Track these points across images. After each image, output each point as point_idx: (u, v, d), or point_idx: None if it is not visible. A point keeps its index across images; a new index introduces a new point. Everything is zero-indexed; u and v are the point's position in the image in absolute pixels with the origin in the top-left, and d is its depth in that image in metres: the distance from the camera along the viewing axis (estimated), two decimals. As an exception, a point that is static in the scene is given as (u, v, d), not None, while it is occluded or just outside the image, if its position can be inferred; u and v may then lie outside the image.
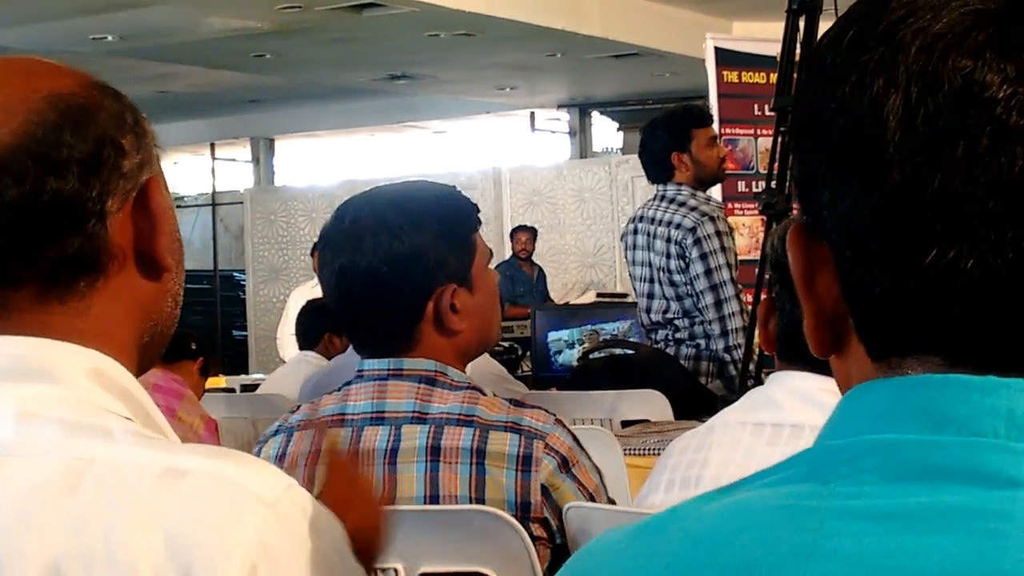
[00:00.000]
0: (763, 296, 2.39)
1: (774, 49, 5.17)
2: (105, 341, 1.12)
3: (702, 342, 4.66)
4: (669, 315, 4.72)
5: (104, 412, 1.08)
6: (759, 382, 3.58)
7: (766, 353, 2.18)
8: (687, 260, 4.63)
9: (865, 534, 0.71)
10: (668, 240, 4.69)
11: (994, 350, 0.76)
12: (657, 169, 4.82)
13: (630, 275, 4.97)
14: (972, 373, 0.76)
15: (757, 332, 2.12)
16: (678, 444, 2.21)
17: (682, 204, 4.72)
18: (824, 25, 4.41)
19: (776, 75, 4.57)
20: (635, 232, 4.87)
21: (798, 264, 0.83)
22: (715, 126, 5.28)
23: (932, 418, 0.75)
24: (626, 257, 4.97)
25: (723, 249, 4.61)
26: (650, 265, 4.78)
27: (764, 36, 7.68)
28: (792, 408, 2.02)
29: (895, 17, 0.78)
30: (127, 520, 1.00)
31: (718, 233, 4.62)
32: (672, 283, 4.69)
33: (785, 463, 0.79)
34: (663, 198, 4.79)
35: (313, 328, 5.96)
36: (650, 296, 4.79)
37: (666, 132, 4.80)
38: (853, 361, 0.82)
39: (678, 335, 4.72)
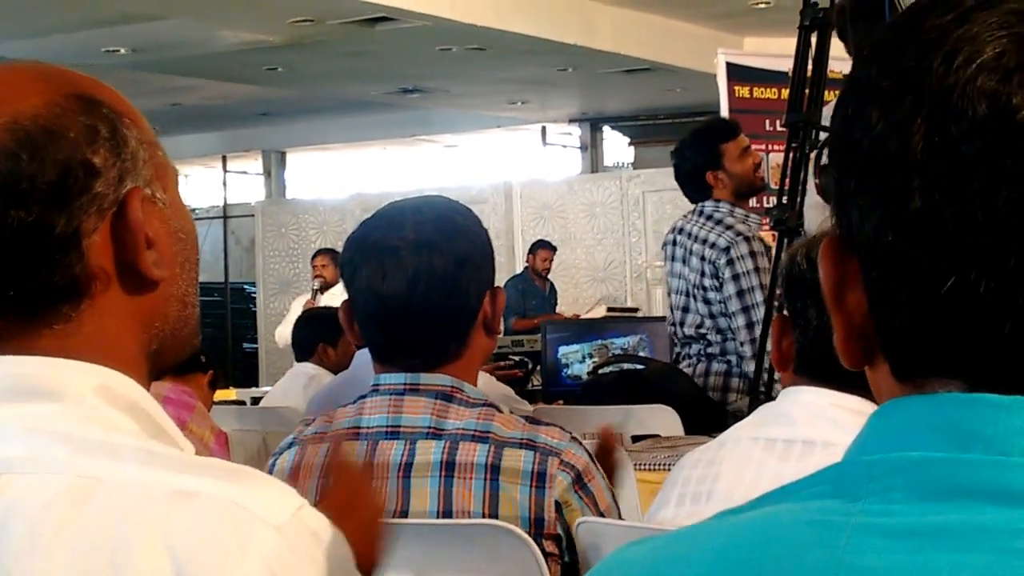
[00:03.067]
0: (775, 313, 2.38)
1: (786, 65, 5.16)
2: (107, 355, 1.10)
3: (733, 359, 4.65)
4: (703, 330, 4.70)
5: (111, 429, 1.06)
6: (770, 398, 3.57)
7: (777, 371, 2.17)
8: (720, 280, 4.61)
9: (892, 551, 0.72)
10: (703, 258, 4.67)
11: (1015, 377, 0.75)
12: (694, 189, 4.79)
13: (667, 283, 4.95)
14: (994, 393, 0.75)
15: (770, 349, 2.11)
16: (689, 459, 2.20)
17: (718, 222, 4.69)
18: (835, 42, 4.42)
19: (788, 91, 4.57)
20: (674, 243, 4.85)
21: (829, 277, 0.83)
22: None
23: (960, 436, 0.75)
24: (664, 267, 4.95)
25: (756, 270, 4.58)
26: (685, 279, 4.76)
27: (776, 52, 7.68)
28: (804, 423, 2.02)
29: (926, 39, 0.77)
30: (134, 543, 0.99)
31: (752, 254, 4.59)
32: (706, 300, 4.67)
33: (813, 478, 0.79)
34: (701, 213, 4.76)
35: (308, 338, 5.95)
36: (685, 310, 4.77)
37: (696, 152, 4.77)
38: (882, 375, 0.82)
39: (710, 350, 4.70)
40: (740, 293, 4.56)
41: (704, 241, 4.68)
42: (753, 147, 4.95)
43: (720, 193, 4.73)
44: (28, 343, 1.09)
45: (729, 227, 4.66)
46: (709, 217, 4.73)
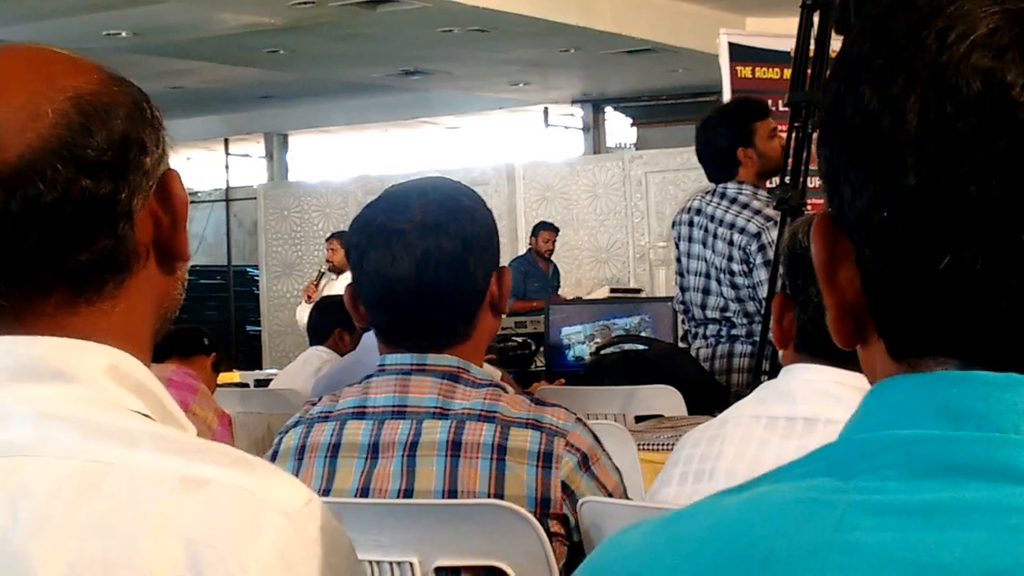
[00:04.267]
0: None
1: (788, 44, 5.16)
2: (124, 337, 1.12)
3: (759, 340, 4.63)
4: (728, 313, 4.68)
5: (124, 412, 1.07)
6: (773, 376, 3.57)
7: (777, 349, 2.18)
8: (751, 265, 4.58)
9: (885, 528, 0.72)
10: (731, 243, 4.63)
11: (1009, 353, 0.76)
12: (720, 165, 4.72)
13: (678, 263, 4.89)
14: (988, 368, 0.76)
15: (772, 326, 2.12)
16: (691, 437, 2.21)
17: (745, 206, 4.65)
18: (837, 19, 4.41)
19: (790, 70, 4.56)
20: (690, 224, 4.79)
21: (820, 255, 0.83)
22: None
23: (953, 414, 0.75)
24: (677, 246, 4.88)
25: None
26: (706, 261, 4.73)
27: (778, 31, 7.67)
28: (806, 401, 2.03)
29: (918, 16, 0.77)
30: (146, 528, 0.99)
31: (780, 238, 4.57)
32: (734, 285, 4.64)
33: (807, 458, 0.80)
34: (724, 196, 4.70)
35: (324, 324, 5.99)
36: (706, 292, 4.74)
37: (728, 128, 4.72)
38: (876, 353, 0.82)
39: (734, 331, 4.68)
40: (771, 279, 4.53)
41: (732, 226, 4.64)
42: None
43: (745, 172, 4.68)
44: (67, 321, 1.10)
45: (757, 211, 4.62)
46: (733, 200, 4.68)
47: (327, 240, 10.59)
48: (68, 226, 1.08)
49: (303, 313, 10.27)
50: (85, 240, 1.09)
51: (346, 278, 10.05)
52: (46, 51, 1.15)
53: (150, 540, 0.99)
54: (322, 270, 10.38)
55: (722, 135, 4.72)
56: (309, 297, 9.98)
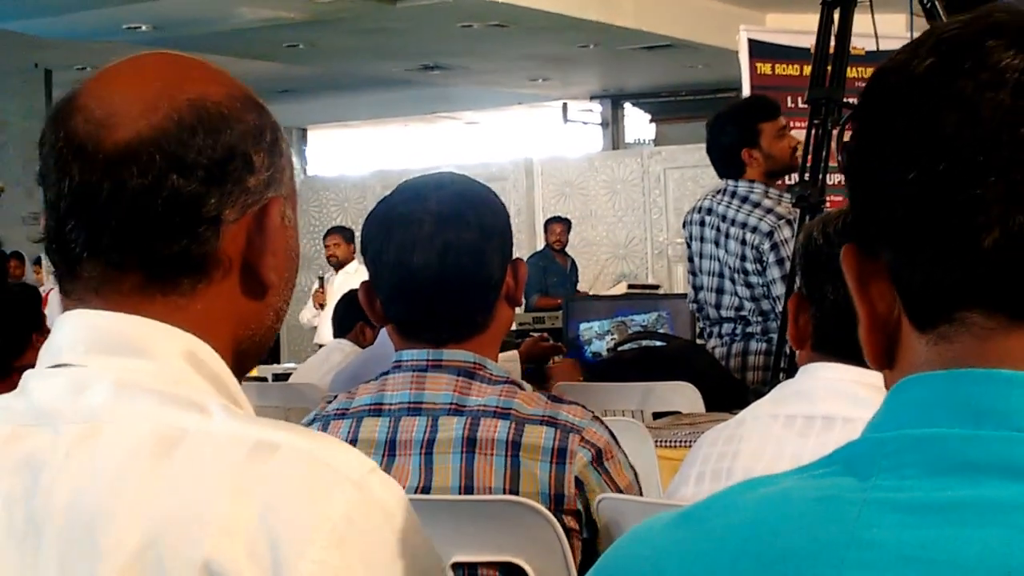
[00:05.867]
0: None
1: (808, 41, 5.15)
2: (201, 335, 1.15)
3: (775, 337, 4.62)
4: (743, 312, 4.67)
5: (197, 389, 1.11)
6: (791, 375, 3.57)
7: (793, 348, 2.17)
8: (764, 264, 4.57)
9: (903, 525, 0.72)
10: (743, 243, 4.62)
11: None
12: (726, 165, 4.72)
13: (691, 262, 4.88)
14: (1012, 322, 0.78)
15: (788, 326, 2.12)
16: (708, 436, 2.20)
17: (756, 205, 4.64)
18: (858, 18, 4.41)
19: (810, 67, 4.55)
20: (702, 224, 4.79)
21: (851, 274, 0.85)
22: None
23: (973, 412, 0.75)
24: (689, 245, 4.88)
25: None
26: (719, 261, 4.72)
27: (798, 28, 7.66)
28: (824, 399, 2.02)
29: (975, 52, 0.80)
30: (221, 487, 1.02)
31: (796, 237, 4.56)
32: (748, 284, 4.63)
33: (827, 457, 0.80)
34: (734, 195, 4.69)
35: (347, 317, 6.02)
36: (720, 291, 4.73)
37: (734, 128, 4.71)
38: (906, 368, 0.83)
39: (749, 329, 4.67)
40: (785, 278, 4.51)
41: (744, 225, 4.63)
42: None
43: (752, 172, 4.67)
44: (142, 305, 1.13)
45: (769, 210, 4.61)
46: (745, 199, 4.67)
47: (326, 236, 10.59)
48: (150, 215, 1.12)
49: (308, 315, 10.33)
50: (164, 232, 1.13)
51: (345, 272, 10.13)
52: (190, 59, 1.21)
53: (224, 500, 1.02)
54: (322, 275, 10.40)
55: (728, 134, 4.72)
56: (322, 305, 9.97)
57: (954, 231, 0.77)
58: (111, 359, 1.11)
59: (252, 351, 1.22)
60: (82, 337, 1.12)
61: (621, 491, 2.06)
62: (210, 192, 1.14)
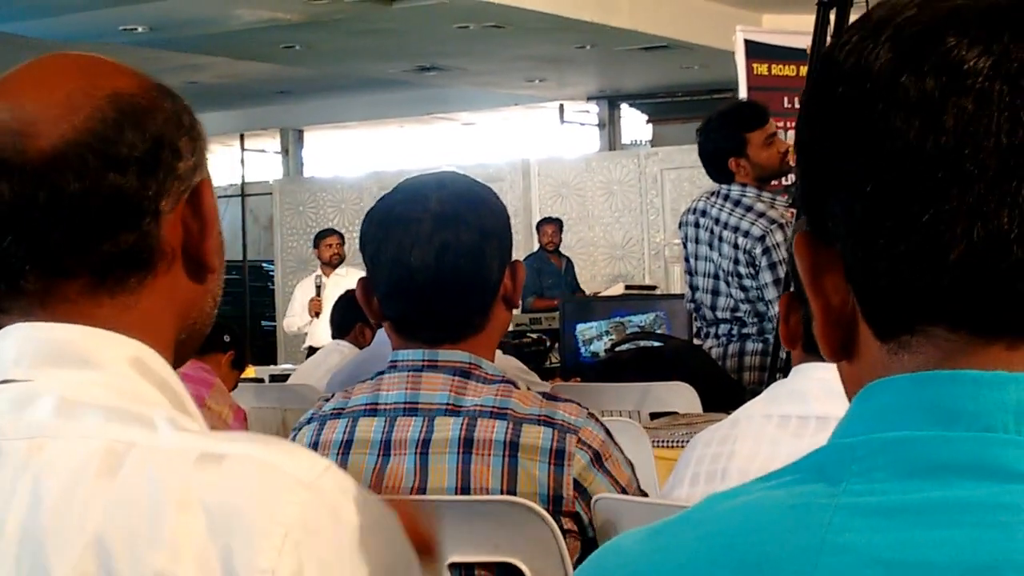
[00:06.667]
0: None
1: (804, 42, 5.16)
2: (147, 335, 1.14)
3: (770, 338, 4.62)
4: (738, 313, 4.67)
5: (144, 401, 1.09)
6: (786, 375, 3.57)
7: (785, 348, 2.18)
8: (757, 268, 4.57)
9: (875, 529, 0.72)
10: (735, 246, 4.62)
11: (993, 313, 0.76)
12: (716, 171, 4.72)
13: (687, 263, 4.88)
14: (974, 337, 0.77)
15: (779, 327, 2.12)
16: (702, 437, 2.20)
17: (749, 208, 4.63)
18: (854, 18, 4.41)
19: (806, 68, 4.56)
20: (697, 225, 4.78)
21: (804, 266, 0.84)
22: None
23: (942, 414, 0.75)
24: (685, 246, 4.88)
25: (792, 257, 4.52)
26: (713, 263, 4.71)
27: (794, 29, 7.66)
28: (818, 399, 2.02)
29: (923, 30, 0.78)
30: (168, 501, 1.01)
31: (787, 241, 4.56)
32: (742, 287, 4.62)
33: (796, 464, 0.80)
34: (727, 198, 4.69)
35: (346, 318, 6.03)
36: (715, 293, 4.73)
37: (720, 136, 4.69)
38: (864, 364, 0.82)
39: (744, 330, 4.67)
40: (777, 281, 4.51)
41: (736, 229, 4.62)
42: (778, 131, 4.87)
43: (742, 179, 4.67)
44: (90, 309, 1.13)
45: (761, 214, 4.60)
46: (737, 203, 4.66)
47: (326, 237, 10.58)
48: (93, 217, 1.11)
49: (299, 322, 10.32)
50: (109, 232, 1.12)
51: (337, 274, 10.14)
52: (93, 57, 1.19)
53: (171, 512, 1.00)
54: (317, 282, 10.39)
55: (714, 142, 4.71)
56: (317, 313, 9.96)
57: (916, 246, 0.76)
58: (57, 371, 1.09)
59: (192, 340, 1.22)
60: (28, 351, 1.11)
61: (623, 488, 2.06)
62: (147, 184, 1.13)
